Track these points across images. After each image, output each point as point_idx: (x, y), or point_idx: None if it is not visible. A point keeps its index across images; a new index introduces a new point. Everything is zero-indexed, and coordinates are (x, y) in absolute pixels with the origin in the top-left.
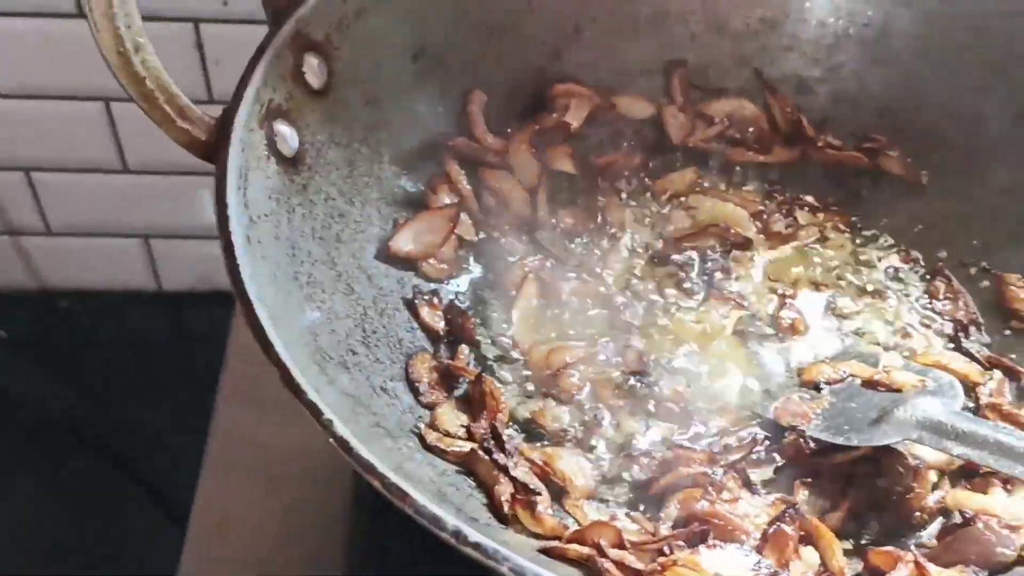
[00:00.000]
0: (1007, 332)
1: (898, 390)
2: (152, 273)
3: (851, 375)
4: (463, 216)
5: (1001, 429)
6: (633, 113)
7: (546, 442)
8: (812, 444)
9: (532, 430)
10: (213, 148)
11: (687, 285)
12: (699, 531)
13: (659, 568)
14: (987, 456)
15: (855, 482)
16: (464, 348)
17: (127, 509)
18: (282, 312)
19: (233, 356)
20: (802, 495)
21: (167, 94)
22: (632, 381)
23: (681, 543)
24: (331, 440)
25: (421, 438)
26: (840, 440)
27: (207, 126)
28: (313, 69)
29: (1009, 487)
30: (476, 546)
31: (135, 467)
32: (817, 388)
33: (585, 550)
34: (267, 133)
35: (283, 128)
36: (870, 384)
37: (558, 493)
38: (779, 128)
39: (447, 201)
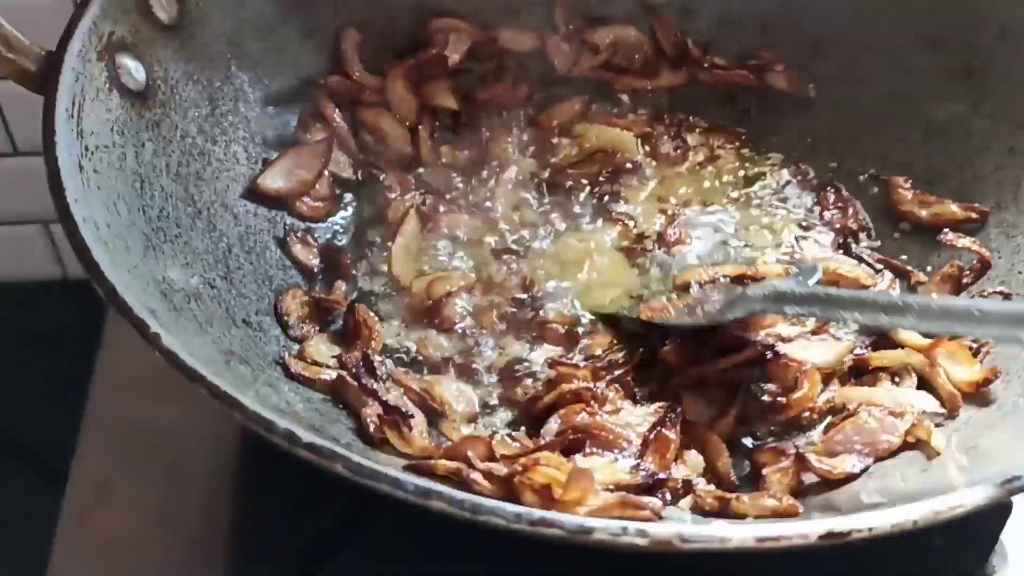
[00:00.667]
0: (896, 235)
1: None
2: (56, 260)
3: (723, 275)
4: (340, 155)
5: (832, 288)
6: (516, 46)
7: (428, 373)
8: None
9: (415, 363)
10: (42, 77)
11: (575, 210)
12: (573, 439)
13: (521, 469)
14: (816, 309)
15: (742, 389)
16: (341, 284)
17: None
18: (119, 242)
19: (111, 338)
20: (688, 404)
21: None
22: (513, 308)
23: (555, 454)
24: (157, 353)
25: (285, 368)
26: (689, 321)
27: (36, 56)
28: (161, 3)
29: (897, 379)
30: (309, 447)
31: (40, 464)
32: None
33: (453, 465)
34: (108, 65)
35: (128, 62)
36: (739, 279)
37: (438, 418)
38: (665, 52)
39: (319, 138)
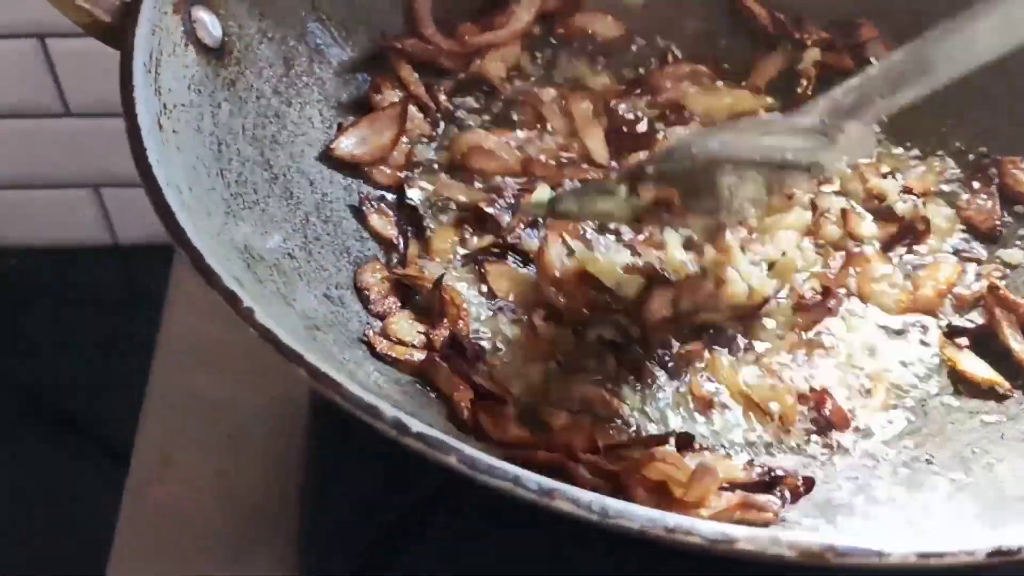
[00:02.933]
0: (1009, 219)
1: None
2: (106, 225)
3: None
4: (416, 117)
5: None
6: (598, 29)
7: None
8: None
9: None
10: (119, 30)
11: None
12: (681, 436)
13: (634, 468)
14: None
15: None
16: (412, 252)
17: (83, 469)
18: (201, 206)
19: (173, 307)
20: None
21: None
22: None
23: (668, 448)
24: (252, 329)
25: (370, 346)
26: None
27: (111, 6)
28: None
29: None
30: (419, 436)
31: (95, 429)
32: None
33: (556, 456)
34: (184, 18)
35: (203, 15)
36: None
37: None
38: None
39: (393, 100)
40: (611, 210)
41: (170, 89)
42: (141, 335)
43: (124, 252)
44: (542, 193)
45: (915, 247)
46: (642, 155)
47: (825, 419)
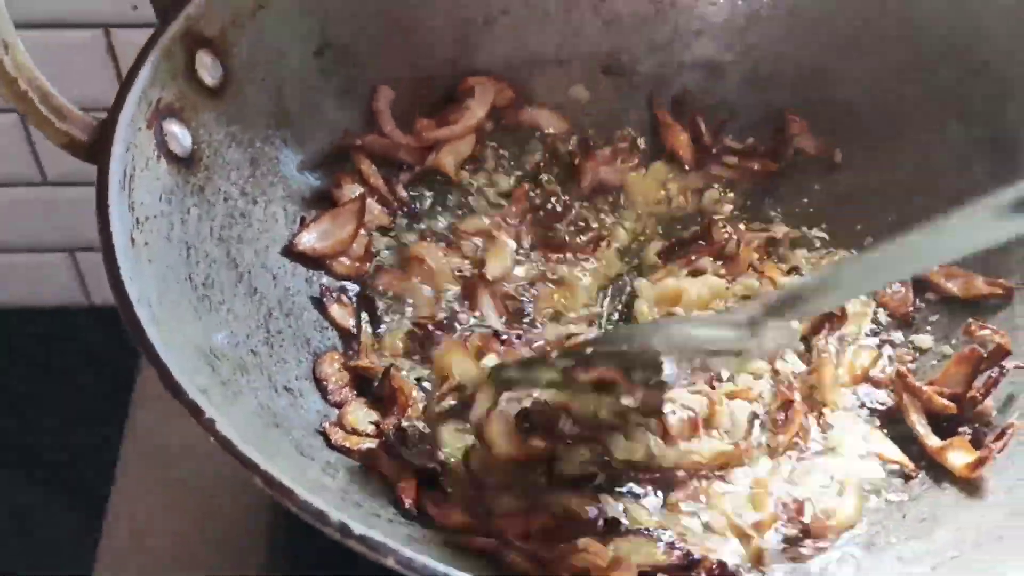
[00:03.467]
0: (921, 305)
1: None
2: (81, 287)
3: None
4: (375, 208)
5: None
6: (541, 124)
7: None
8: None
9: None
10: (96, 145)
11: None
12: (609, 521)
13: (561, 556)
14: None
15: None
16: (366, 341)
17: (59, 522)
18: (170, 314)
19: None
20: None
21: (41, 93)
22: None
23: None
24: (212, 439)
25: (326, 437)
26: None
27: (88, 126)
28: (207, 66)
29: None
30: (361, 539)
31: (71, 484)
32: None
33: (492, 542)
34: (156, 133)
35: (174, 128)
36: None
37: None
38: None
39: (354, 195)
40: (552, 379)
41: (143, 202)
42: (116, 392)
43: (97, 312)
44: (487, 362)
45: (835, 333)
46: (582, 337)
47: (805, 528)
